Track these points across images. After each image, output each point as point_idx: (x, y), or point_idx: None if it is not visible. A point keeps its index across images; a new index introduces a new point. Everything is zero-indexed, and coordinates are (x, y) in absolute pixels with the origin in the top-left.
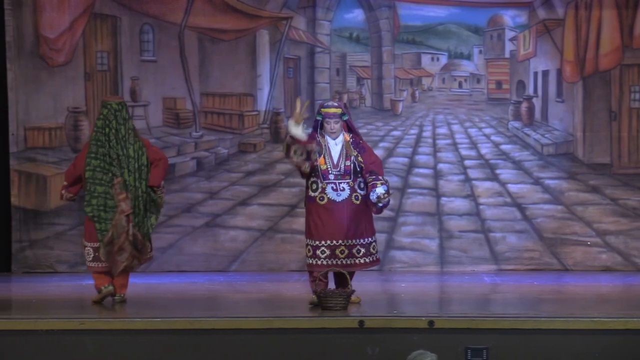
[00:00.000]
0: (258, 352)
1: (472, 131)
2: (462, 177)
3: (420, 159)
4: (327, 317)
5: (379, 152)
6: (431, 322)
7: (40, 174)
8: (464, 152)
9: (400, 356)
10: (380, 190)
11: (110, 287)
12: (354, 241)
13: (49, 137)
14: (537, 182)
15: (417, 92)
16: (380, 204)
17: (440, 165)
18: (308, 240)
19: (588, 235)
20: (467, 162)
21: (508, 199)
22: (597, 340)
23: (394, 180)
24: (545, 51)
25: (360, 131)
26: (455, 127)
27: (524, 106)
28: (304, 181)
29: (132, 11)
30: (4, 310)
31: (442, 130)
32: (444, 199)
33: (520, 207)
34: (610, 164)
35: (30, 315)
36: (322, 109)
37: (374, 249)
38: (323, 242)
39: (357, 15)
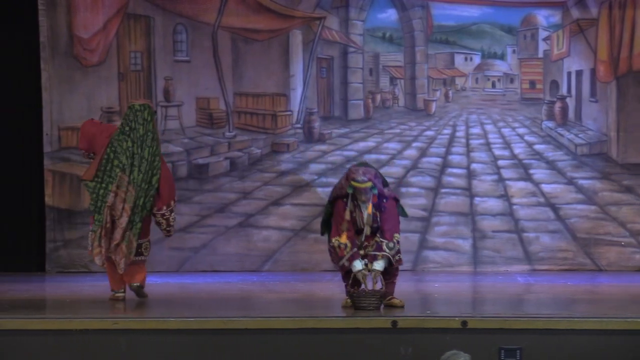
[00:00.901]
0: (291, 352)
1: (506, 131)
2: (495, 177)
3: (454, 159)
4: (360, 317)
5: (411, 152)
6: (464, 323)
7: (74, 173)
8: (497, 152)
9: (433, 356)
10: (376, 266)
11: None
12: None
13: None
14: (570, 182)
15: (450, 92)
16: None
17: (474, 165)
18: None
19: (622, 236)
20: (500, 162)
21: (541, 199)
22: (631, 341)
23: (427, 181)
24: (579, 51)
25: (393, 131)
26: (489, 127)
27: (557, 106)
28: (336, 181)
29: (165, 11)
30: (38, 309)
31: (476, 130)
32: (477, 199)
33: (554, 207)
34: None
35: (64, 315)
36: (353, 183)
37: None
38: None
39: (390, 15)
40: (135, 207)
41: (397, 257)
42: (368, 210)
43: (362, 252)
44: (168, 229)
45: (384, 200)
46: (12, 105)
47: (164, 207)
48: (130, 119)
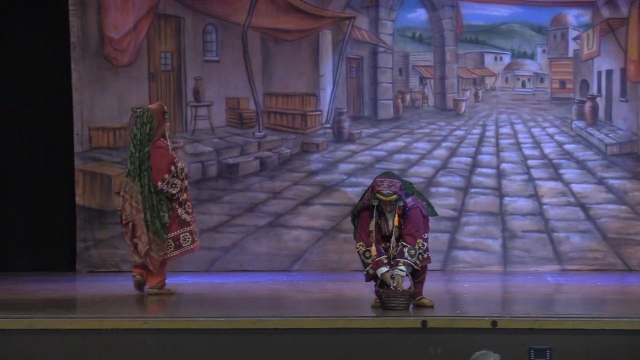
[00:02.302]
0: (321, 352)
1: (536, 131)
2: (525, 176)
3: (483, 158)
4: (390, 317)
5: (441, 152)
6: (494, 323)
7: (104, 173)
8: (527, 152)
9: (463, 356)
10: (397, 272)
11: (138, 276)
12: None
13: (114, 137)
14: (600, 182)
15: (480, 92)
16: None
17: (504, 165)
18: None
19: None
20: (530, 162)
21: (572, 199)
22: None
23: (457, 180)
24: (609, 50)
25: (423, 131)
26: (519, 127)
27: (587, 106)
28: (365, 181)
29: (195, 11)
30: (68, 309)
31: (505, 130)
32: (507, 199)
33: (584, 207)
34: None
35: (94, 315)
36: (379, 195)
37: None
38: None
39: (419, 15)
40: (145, 208)
41: (421, 259)
42: (395, 222)
43: (386, 257)
44: (174, 197)
45: (408, 210)
46: (43, 106)
47: (160, 183)
48: (132, 126)
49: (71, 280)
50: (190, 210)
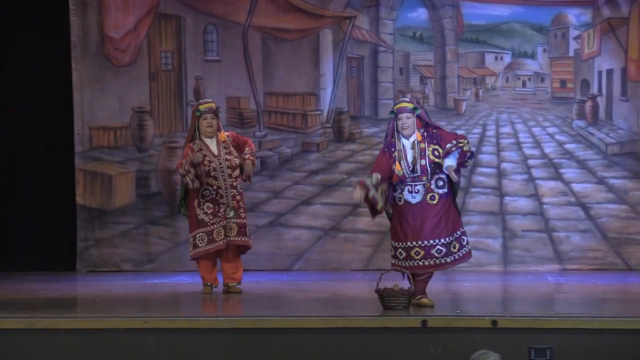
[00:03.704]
0: (320, 351)
1: (536, 130)
2: (525, 176)
3: (484, 158)
4: (390, 317)
5: None
6: (494, 322)
7: (105, 173)
8: (527, 152)
9: (463, 356)
10: (447, 162)
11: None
12: (432, 242)
13: (114, 137)
14: (601, 181)
15: (480, 91)
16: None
17: (504, 165)
18: (391, 242)
19: None
20: (530, 162)
21: (572, 199)
22: None
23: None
24: (610, 50)
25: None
26: (519, 126)
27: (588, 105)
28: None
29: (196, 11)
30: (69, 308)
31: (506, 130)
32: (507, 199)
33: (584, 207)
34: None
35: (94, 314)
36: (395, 107)
37: (454, 247)
38: (401, 244)
39: (420, 15)
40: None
41: (468, 147)
42: (417, 136)
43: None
44: (193, 181)
45: (434, 131)
46: (43, 105)
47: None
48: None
49: (72, 279)
50: (209, 212)
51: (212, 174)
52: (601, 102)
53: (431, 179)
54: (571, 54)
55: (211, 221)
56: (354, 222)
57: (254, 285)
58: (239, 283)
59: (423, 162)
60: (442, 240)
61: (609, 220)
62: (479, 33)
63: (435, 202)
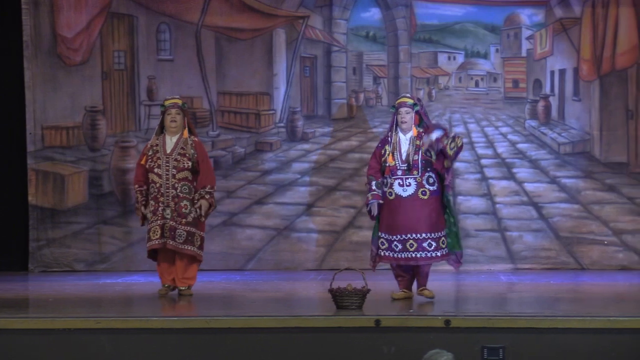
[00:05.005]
0: (274, 351)
1: (489, 130)
2: (478, 176)
3: None
4: (344, 316)
5: None
6: (447, 321)
7: (57, 172)
8: (480, 151)
9: (416, 355)
10: (433, 135)
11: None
12: (424, 235)
13: (67, 136)
14: (553, 181)
15: (433, 91)
16: (440, 146)
17: (457, 164)
18: (379, 233)
19: (605, 235)
20: (483, 161)
21: (524, 198)
22: (614, 340)
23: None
24: (562, 50)
25: (377, 130)
26: (472, 126)
27: (540, 105)
28: (319, 180)
29: (148, 10)
30: (21, 308)
31: (459, 129)
32: (460, 198)
33: (537, 206)
34: (627, 163)
35: (47, 314)
36: (396, 101)
37: (443, 243)
38: (390, 237)
39: (373, 14)
40: None
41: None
42: (413, 132)
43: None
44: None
45: (430, 125)
46: None
47: None
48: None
49: (24, 279)
50: (151, 209)
51: (156, 171)
52: (553, 102)
53: (422, 174)
54: (524, 53)
55: (152, 219)
56: (308, 221)
57: (207, 285)
58: (188, 287)
59: (416, 157)
60: (434, 235)
61: (561, 219)
62: (432, 33)
63: (426, 197)
